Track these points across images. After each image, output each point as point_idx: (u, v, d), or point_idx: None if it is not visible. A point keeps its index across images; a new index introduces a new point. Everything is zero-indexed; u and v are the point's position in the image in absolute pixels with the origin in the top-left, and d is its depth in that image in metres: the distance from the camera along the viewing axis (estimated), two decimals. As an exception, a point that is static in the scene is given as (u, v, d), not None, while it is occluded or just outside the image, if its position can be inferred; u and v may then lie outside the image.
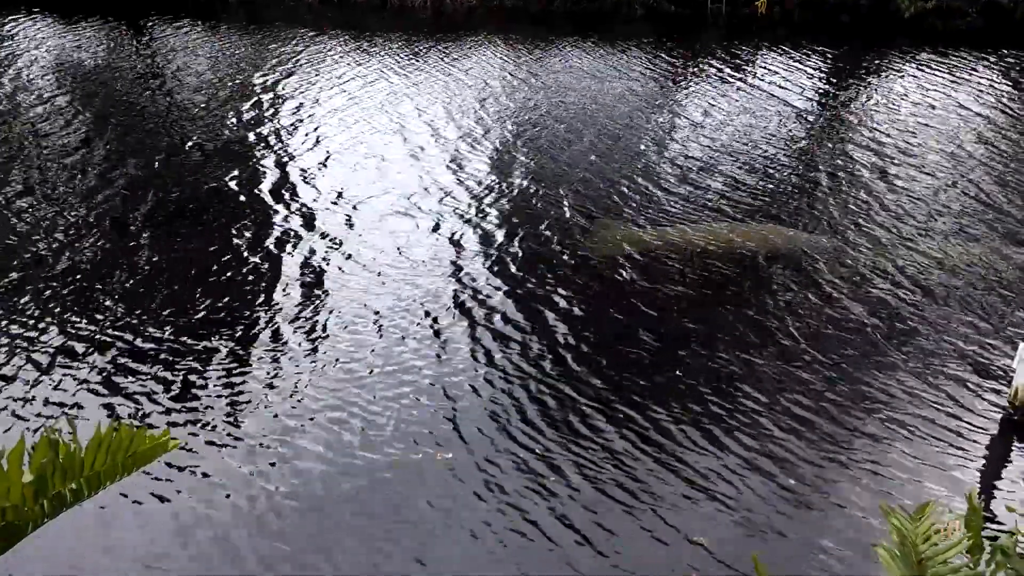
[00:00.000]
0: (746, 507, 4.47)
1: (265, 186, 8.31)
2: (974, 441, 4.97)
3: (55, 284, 6.48)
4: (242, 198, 8.06)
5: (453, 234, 7.37)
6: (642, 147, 9.43)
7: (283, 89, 11.11)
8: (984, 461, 4.86)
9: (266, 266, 6.85)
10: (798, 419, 5.13)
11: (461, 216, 7.71)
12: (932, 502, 2.14)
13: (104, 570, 4.08)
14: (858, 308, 6.33)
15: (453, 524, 4.35)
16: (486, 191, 8.22)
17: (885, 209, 7.94)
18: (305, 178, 8.50)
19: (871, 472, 4.72)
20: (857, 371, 5.61)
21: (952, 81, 11.79)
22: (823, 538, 4.30)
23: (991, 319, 6.20)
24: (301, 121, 10.02)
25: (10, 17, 13.76)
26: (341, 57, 12.46)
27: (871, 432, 5.04)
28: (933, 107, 10.77)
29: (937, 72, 12.20)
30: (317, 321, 6.08)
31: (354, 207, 7.88)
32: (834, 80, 12.22)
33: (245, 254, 7.00)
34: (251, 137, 9.58)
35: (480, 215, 7.74)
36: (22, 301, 6.25)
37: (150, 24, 13.71)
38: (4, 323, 5.97)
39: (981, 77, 11.99)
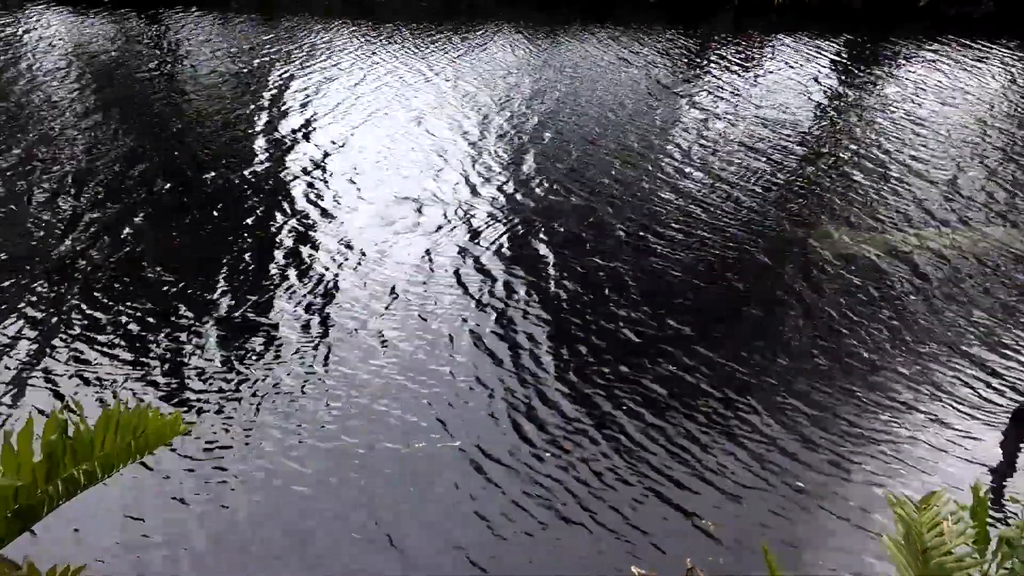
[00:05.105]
0: (752, 495, 4.48)
1: (277, 174, 8.32)
2: (986, 432, 4.97)
3: (60, 268, 6.50)
4: (255, 187, 8.06)
5: (484, 226, 7.35)
6: (660, 135, 9.39)
7: (291, 78, 11.10)
8: (996, 452, 4.85)
9: (278, 255, 6.86)
10: (808, 407, 5.13)
11: (503, 207, 7.69)
12: (938, 492, 2.15)
13: (109, 554, 4.11)
14: (869, 295, 6.31)
15: (455, 512, 4.37)
16: (527, 181, 8.21)
17: (902, 196, 7.90)
18: (320, 166, 8.49)
19: (882, 462, 4.72)
20: (868, 359, 5.60)
21: (967, 68, 11.69)
22: (830, 527, 4.31)
23: (1007, 308, 6.18)
24: (308, 108, 10.00)
25: (29, 6, 13.84)
26: (349, 45, 12.43)
27: (883, 421, 5.04)
28: (948, 94, 10.68)
29: (951, 59, 12.09)
30: (333, 308, 6.09)
31: (375, 196, 7.86)
32: (850, 67, 12.12)
33: (257, 242, 7.01)
34: (269, 126, 9.58)
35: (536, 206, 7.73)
36: (28, 285, 6.27)
37: (162, 13, 13.73)
38: (10, 308, 6.00)
39: (996, 64, 11.88)
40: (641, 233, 7.17)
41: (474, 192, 7.87)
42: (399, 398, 5.14)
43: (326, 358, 5.50)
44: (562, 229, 7.24)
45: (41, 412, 4.88)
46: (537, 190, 7.95)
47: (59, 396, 5.14)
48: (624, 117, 9.83)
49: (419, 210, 7.49)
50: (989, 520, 2.81)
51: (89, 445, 1.58)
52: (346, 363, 5.46)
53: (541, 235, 7.14)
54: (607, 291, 6.34)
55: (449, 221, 7.32)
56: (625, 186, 8.06)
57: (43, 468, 1.49)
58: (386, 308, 6.05)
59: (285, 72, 11.25)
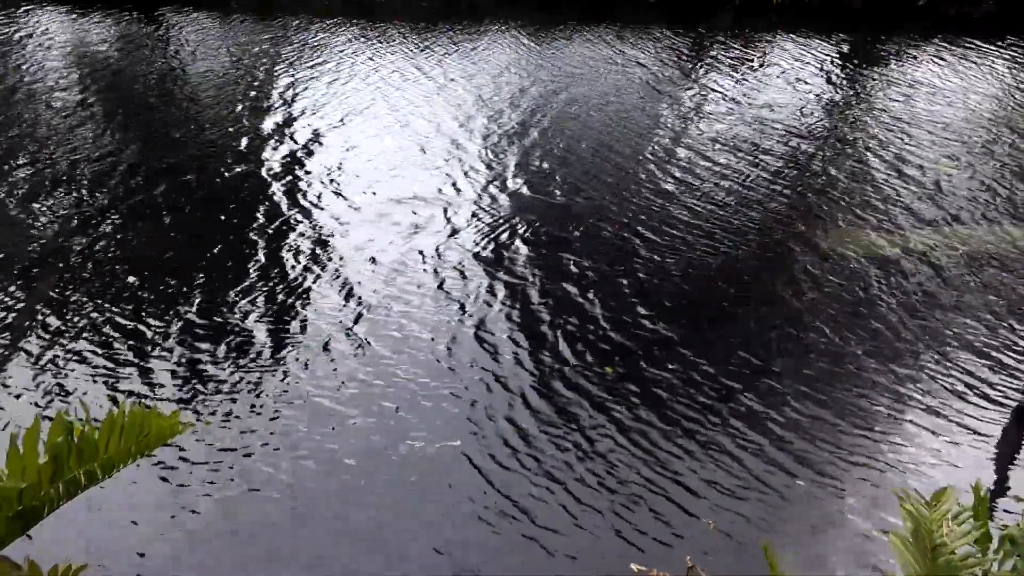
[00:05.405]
0: (753, 494, 4.47)
1: (275, 175, 8.30)
2: (983, 431, 4.96)
3: (62, 270, 6.49)
4: (253, 188, 8.06)
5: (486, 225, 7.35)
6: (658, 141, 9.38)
7: (287, 78, 11.08)
8: (997, 450, 4.85)
9: (277, 255, 6.85)
10: (804, 408, 5.13)
11: (503, 210, 7.68)
12: (949, 488, 2.13)
13: (109, 554, 4.10)
14: (861, 296, 6.30)
15: (454, 512, 4.36)
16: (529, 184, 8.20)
17: (897, 197, 7.89)
18: (313, 166, 8.48)
19: (884, 460, 4.72)
20: (869, 357, 5.59)
21: (967, 68, 11.69)
22: (830, 527, 4.31)
23: (999, 308, 6.18)
24: (304, 109, 9.98)
25: (24, 7, 13.82)
26: (347, 45, 12.41)
27: (880, 422, 5.04)
28: (947, 94, 10.69)
29: (951, 59, 12.10)
30: (335, 310, 6.08)
31: (375, 195, 7.84)
32: (850, 67, 12.12)
33: (255, 243, 7.00)
34: (261, 125, 9.57)
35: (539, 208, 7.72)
36: (31, 287, 6.26)
37: (161, 14, 13.71)
38: (14, 310, 5.99)
39: (996, 64, 11.89)
40: (628, 235, 7.15)
41: (466, 192, 7.84)
42: (394, 400, 5.13)
43: (321, 358, 5.49)
44: (552, 230, 7.22)
45: (33, 417, 4.87)
46: (525, 190, 7.93)
47: (35, 405, 5.12)
48: (618, 117, 9.81)
49: (410, 210, 7.47)
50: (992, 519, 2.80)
51: (94, 447, 1.58)
52: (340, 364, 5.45)
53: (529, 236, 7.11)
54: (595, 292, 6.32)
55: (440, 220, 7.29)
56: (614, 187, 8.04)
57: (48, 470, 1.49)
58: (370, 310, 6.04)
59: (281, 72, 11.23)
